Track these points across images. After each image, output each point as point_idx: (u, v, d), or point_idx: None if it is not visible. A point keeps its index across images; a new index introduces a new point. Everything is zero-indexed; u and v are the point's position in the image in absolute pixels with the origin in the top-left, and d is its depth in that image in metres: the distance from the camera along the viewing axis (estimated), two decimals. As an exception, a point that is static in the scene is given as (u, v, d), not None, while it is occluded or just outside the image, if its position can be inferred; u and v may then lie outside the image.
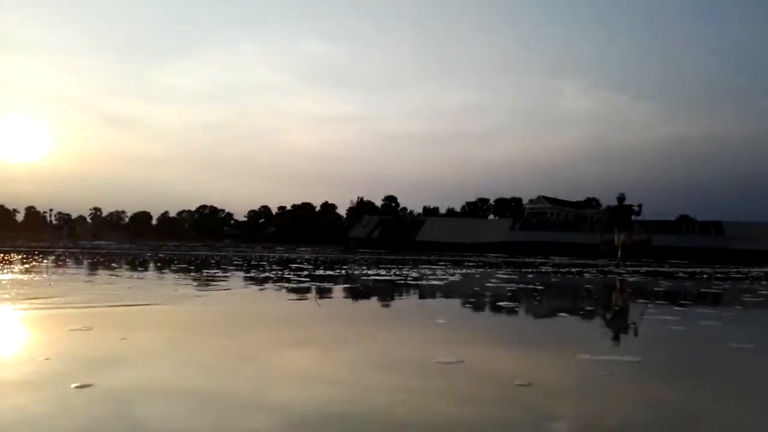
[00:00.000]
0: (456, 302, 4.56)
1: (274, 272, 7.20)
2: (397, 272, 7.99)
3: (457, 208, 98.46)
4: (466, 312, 3.78)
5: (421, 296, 4.88)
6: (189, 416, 1.27)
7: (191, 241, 59.60)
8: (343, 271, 7.96)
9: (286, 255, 16.77)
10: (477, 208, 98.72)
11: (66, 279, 5.46)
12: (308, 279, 5.97)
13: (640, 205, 13.78)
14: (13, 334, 2.44)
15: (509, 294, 5.07)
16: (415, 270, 8.87)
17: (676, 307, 4.31)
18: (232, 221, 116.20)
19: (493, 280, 6.94)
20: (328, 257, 15.62)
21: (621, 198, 13.92)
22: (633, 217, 13.91)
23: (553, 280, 8.02)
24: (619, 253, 13.58)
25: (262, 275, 6.63)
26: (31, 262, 8.32)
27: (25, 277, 5.41)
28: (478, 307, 4.12)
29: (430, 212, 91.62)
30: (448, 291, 5.29)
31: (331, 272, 7.63)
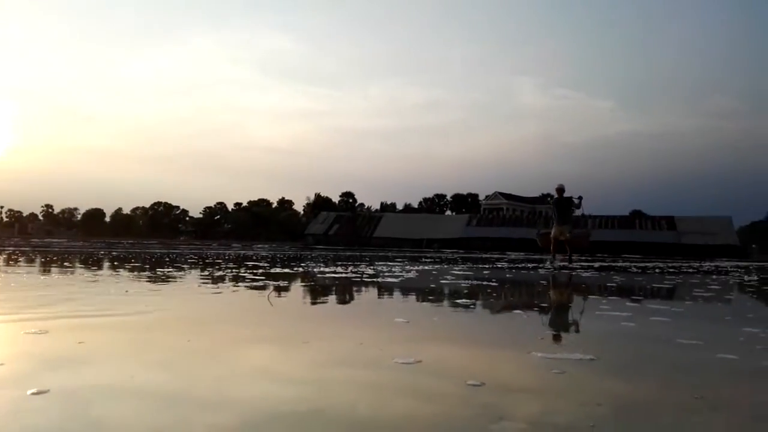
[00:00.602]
0: (412, 300, 4.54)
1: (229, 270, 7.04)
2: (354, 269, 7.94)
3: (415, 204, 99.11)
4: (422, 310, 3.76)
5: (378, 294, 4.84)
6: (147, 415, 1.24)
7: (145, 239, 58.08)
8: (300, 269, 7.86)
9: (242, 252, 16.50)
10: (434, 204, 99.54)
11: (15, 279, 5.19)
12: (264, 277, 5.85)
13: (580, 198, 12.98)
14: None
15: (465, 291, 5.09)
16: (372, 267, 8.84)
17: (628, 303, 4.39)
18: (187, 218, 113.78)
19: (449, 277, 6.97)
20: (285, 254, 15.46)
21: (560, 189, 12.94)
22: (574, 210, 13.12)
23: (507, 276, 8.12)
24: (553, 246, 12.71)
25: (217, 273, 6.47)
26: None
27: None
28: (434, 305, 4.10)
29: (387, 208, 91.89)
30: (404, 288, 5.27)
31: (287, 270, 7.52)
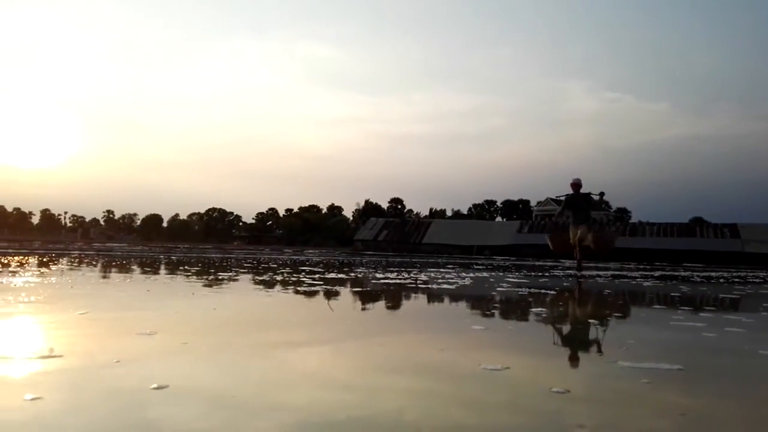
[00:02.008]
0: (477, 307, 4.46)
1: (285, 275, 7.14)
2: (407, 275, 7.91)
3: (464, 210, 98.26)
4: (493, 318, 3.70)
5: (440, 301, 4.80)
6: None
7: (201, 243, 59.78)
8: (354, 274, 7.90)
9: (295, 257, 16.73)
10: (484, 210, 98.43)
11: (93, 282, 5.42)
12: (322, 282, 5.90)
13: (601, 194, 11.27)
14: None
15: (530, 299, 4.98)
16: (424, 273, 8.80)
17: (701, 313, 4.25)
18: (240, 223, 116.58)
19: (506, 284, 6.85)
20: (337, 259, 15.58)
21: (576, 184, 11.08)
22: (591, 208, 11.23)
23: (565, 284, 7.92)
24: (576, 252, 11.07)
25: (274, 277, 6.58)
26: (52, 264, 8.30)
27: (53, 280, 5.36)
28: (503, 313, 4.03)
29: (436, 214, 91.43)
30: (465, 296, 5.21)
31: (342, 275, 7.57)
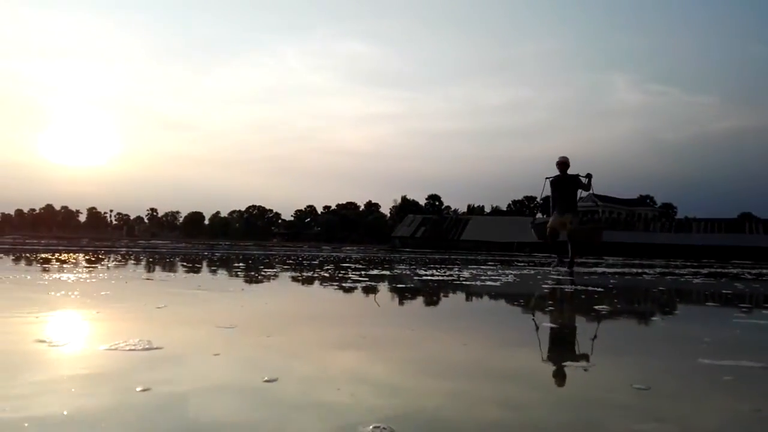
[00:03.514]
0: (532, 304, 4.40)
1: (329, 271, 7.21)
2: (449, 272, 7.88)
3: (503, 207, 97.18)
4: (558, 315, 3.66)
5: (491, 298, 4.78)
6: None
7: (241, 240, 60.91)
8: (395, 271, 7.91)
9: (334, 254, 16.87)
10: (524, 207, 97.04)
11: (153, 279, 5.60)
12: (366, 278, 5.94)
13: (589, 176, 9.53)
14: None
15: (582, 296, 4.89)
16: (466, 270, 8.74)
17: (763, 311, 4.17)
18: (279, 221, 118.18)
19: (551, 281, 6.75)
20: (376, 256, 15.63)
21: (563, 163, 9.56)
22: (581, 192, 9.80)
23: (612, 281, 7.75)
24: (551, 241, 9.88)
25: (319, 274, 6.65)
26: (107, 261, 8.59)
27: (115, 276, 5.57)
28: (566, 310, 3.97)
29: (474, 211, 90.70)
30: (515, 293, 5.18)
31: (384, 272, 7.59)
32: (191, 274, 6.47)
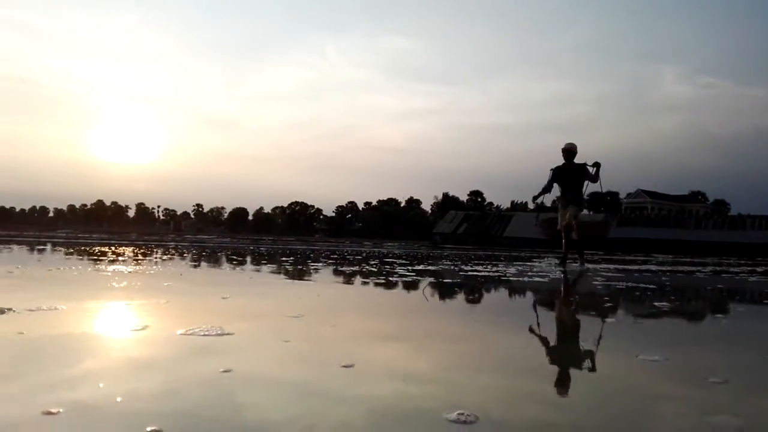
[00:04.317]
0: (590, 301, 4.34)
1: (373, 265, 7.27)
2: (494, 268, 7.83)
3: (547, 203, 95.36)
4: (618, 310, 3.62)
5: (547, 294, 4.73)
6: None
7: (284, 236, 61.83)
8: (439, 267, 7.91)
9: (377, 249, 16.94)
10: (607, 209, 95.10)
11: (208, 272, 5.79)
12: (412, 273, 5.97)
13: (597, 164, 8.47)
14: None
15: (636, 293, 4.80)
16: (511, 266, 8.66)
17: None
18: (321, 216, 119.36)
19: (601, 278, 6.63)
20: (418, 252, 15.62)
21: (569, 150, 8.63)
22: (587, 183, 8.74)
23: (663, 279, 7.55)
24: (563, 240, 8.92)
25: (365, 268, 6.71)
26: (161, 255, 8.90)
27: (169, 269, 5.78)
28: (626, 307, 3.90)
29: (517, 207, 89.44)
30: (568, 289, 5.12)
31: (429, 267, 7.60)
32: (243, 267, 6.64)
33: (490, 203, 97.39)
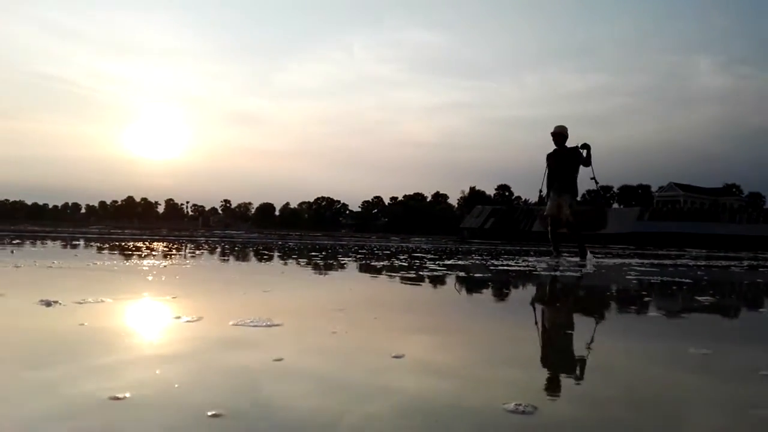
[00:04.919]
0: (627, 295, 4.29)
1: (403, 260, 7.27)
2: (525, 263, 7.76)
3: (578, 197, 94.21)
4: (657, 304, 3.57)
5: (582, 287, 4.69)
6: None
7: (310, 231, 62.25)
8: (469, 261, 7.88)
9: (404, 244, 16.94)
10: (599, 197, 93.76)
11: (246, 266, 5.89)
12: (443, 268, 5.96)
13: (585, 146, 7.94)
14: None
15: (673, 287, 4.71)
16: (542, 261, 8.58)
17: None
18: (347, 211, 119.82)
19: (634, 273, 6.53)
20: (446, 247, 15.57)
21: (559, 134, 8.09)
22: (577, 168, 8.14)
23: (699, 273, 7.40)
24: (549, 231, 8.57)
25: (395, 263, 6.72)
26: (190, 249, 9.06)
27: (203, 263, 5.90)
28: (667, 301, 3.84)
29: (546, 201, 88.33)
30: (601, 285, 5.08)
31: (458, 261, 7.58)
32: (276, 262, 6.72)
33: (518, 197, 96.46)
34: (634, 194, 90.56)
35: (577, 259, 8.28)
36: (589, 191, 9.04)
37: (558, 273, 5.96)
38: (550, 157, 8.34)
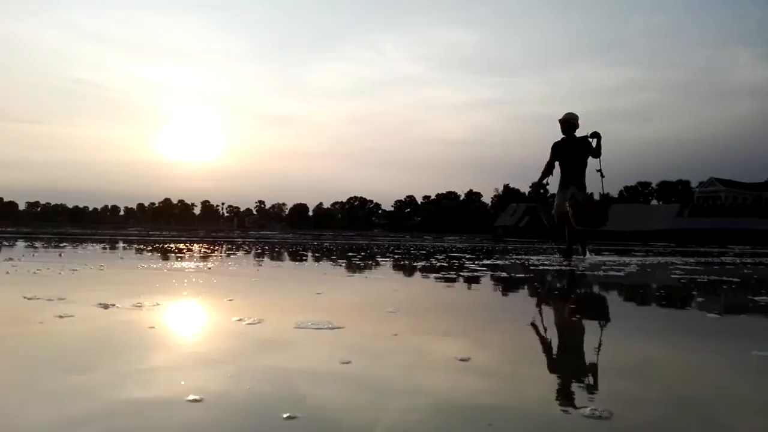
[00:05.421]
0: (677, 294, 4.20)
1: (441, 260, 7.25)
2: (565, 261, 7.64)
3: (614, 194, 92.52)
4: (712, 304, 3.50)
5: (627, 286, 4.62)
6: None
7: (343, 231, 62.62)
8: (507, 260, 7.80)
9: (439, 244, 16.89)
10: (637, 193, 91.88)
11: (291, 267, 5.98)
12: (483, 268, 5.93)
13: (595, 135, 7.47)
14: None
15: (724, 286, 4.59)
16: (583, 261, 8.43)
17: None
18: (379, 211, 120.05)
19: (679, 272, 6.37)
20: (482, 246, 15.46)
21: (568, 122, 7.67)
22: (589, 159, 7.71)
23: (746, 271, 7.17)
24: (566, 227, 7.98)
25: (433, 262, 6.71)
26: (230, 250, 9.22)
27: (248, 264, 6.00)
28: (724, 300, 3.75)
29: (612, 201, 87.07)
30: (647, 283, 4.98)
31: (497, 261, 7.52)
32: (316, 263, 6.78)
33: (553, 195, 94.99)
34: (674, 190, 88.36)
35: (579, 257, 7.99)
36: (600, 194, 8.49)
37: (601, 273, 5.87)
38: (557, 147, 7.89)
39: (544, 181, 8.31)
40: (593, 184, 8.06)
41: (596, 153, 7.53)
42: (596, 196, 8.64)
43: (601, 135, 7.53)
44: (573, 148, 7.71)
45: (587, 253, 8.24)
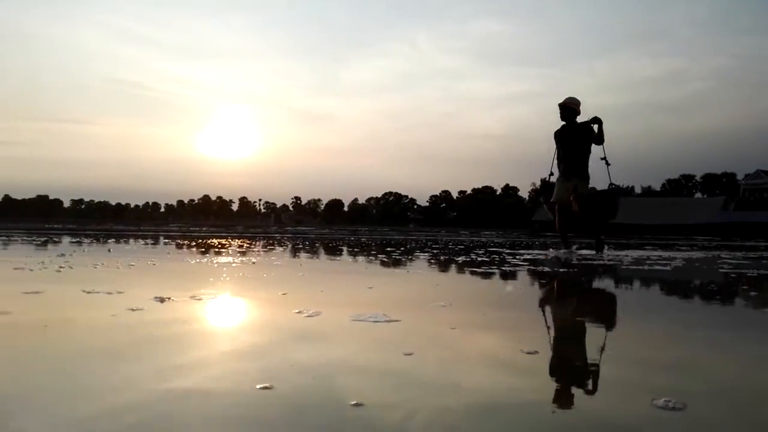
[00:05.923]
0: (728, 290, 4.11)
1: (481, 255, 7.23)
2: (609, 256, 7.52)
3: (656, 187, 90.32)
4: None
5: (680, 282, 4.54)
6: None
7: (378, 226, 62.80)
8: (547, 254, 7.71)
9: (476, 238, 16.78)
10: (680, 186, 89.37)
11: (337, 262, 6.08)
12: (524, 263, 5.89)
13: (596, 120, 7.18)
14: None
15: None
16: (625, 254, 8.28)
17: None
18: (415, 206, 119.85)
19: (727, 266, 6.20)
20: (520, 241, 15.30)
21: (568, 106, 7.33)
22: (592, 146, 7.39)
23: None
24: (557, 221, 7.85)
25: (472, 257, 6.69)
26: (271, 246, 9.39)
27: (299, 259, 6.12)
28: None
29: (623, 192, 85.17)
30: (695, 278, 4.88)
31: (538, 255, 7.44)
32: (357, 257, 6.85)
33: (593, 188, 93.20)
34: (719, 183, 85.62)
35: (590, 252, 7.59)
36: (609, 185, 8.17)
37: (646, 267, 5.76)
38: (557, 135, 7.57)
39: (548, 174, 8.15)
40: (596, 180, 7.84)
41: (599, 140, 7.24)
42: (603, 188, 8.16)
43: (602, 120, 7.24)
44: (573, 135, 7.38)
45: (604, 248, 7.87)
